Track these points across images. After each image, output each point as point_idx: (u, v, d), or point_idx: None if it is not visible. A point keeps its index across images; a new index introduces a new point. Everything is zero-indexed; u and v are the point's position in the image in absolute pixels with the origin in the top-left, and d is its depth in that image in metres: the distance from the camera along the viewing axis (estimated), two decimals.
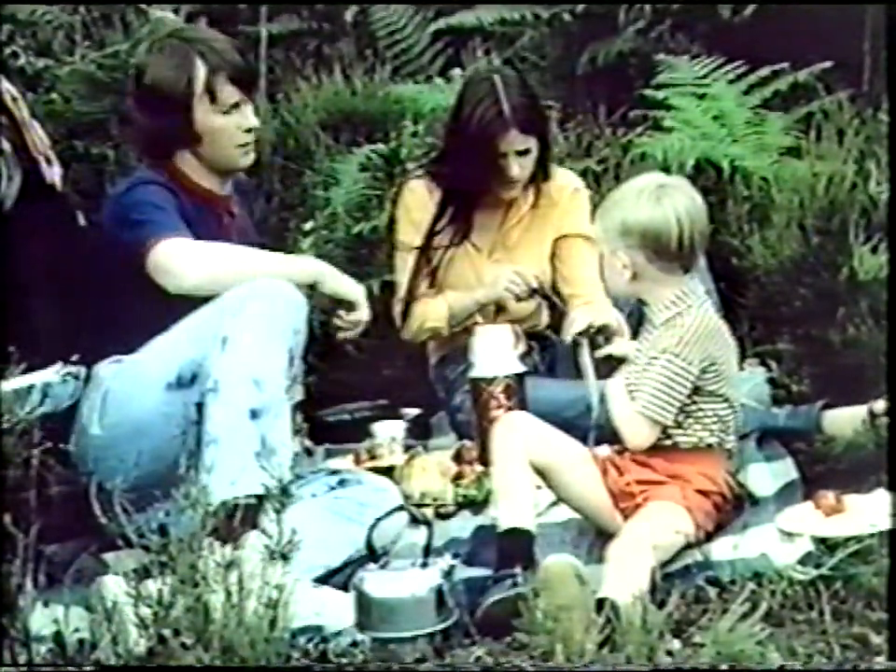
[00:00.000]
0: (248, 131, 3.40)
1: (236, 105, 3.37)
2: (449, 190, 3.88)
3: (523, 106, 3.78)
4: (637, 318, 3.38)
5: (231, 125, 3.37)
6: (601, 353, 3.29)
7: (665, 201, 3.02)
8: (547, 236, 3.94)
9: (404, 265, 3.94)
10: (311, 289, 3.20)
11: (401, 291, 3.94)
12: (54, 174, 3.52)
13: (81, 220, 3.61)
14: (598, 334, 3.29)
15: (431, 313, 3.90)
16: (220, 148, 3.38)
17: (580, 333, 3.30)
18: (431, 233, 3.89)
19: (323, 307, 3.31)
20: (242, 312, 3.03)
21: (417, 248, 3.90)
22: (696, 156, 4.32)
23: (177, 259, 3.16)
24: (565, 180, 3.99)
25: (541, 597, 2.62)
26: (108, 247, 3.30)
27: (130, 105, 3.50)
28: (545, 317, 3.97)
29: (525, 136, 3.78)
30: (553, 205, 3.94)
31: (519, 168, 3.80)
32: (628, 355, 3.17)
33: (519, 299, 3.76)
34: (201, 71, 3.33)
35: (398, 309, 3.95)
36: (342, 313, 3.29)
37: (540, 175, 3.89)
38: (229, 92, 3.36)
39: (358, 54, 5.46)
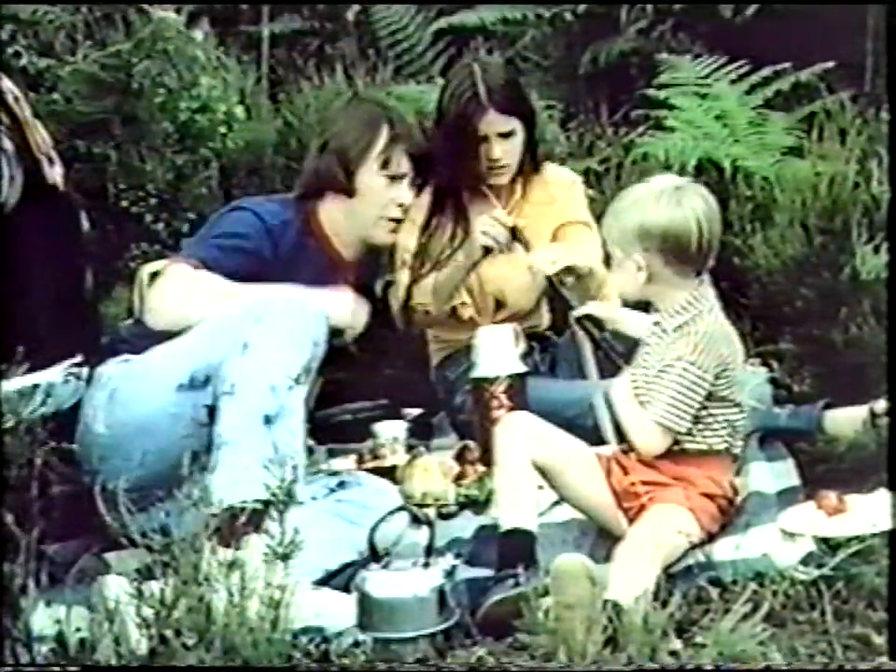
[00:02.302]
0: (401, 207, 3.50)
1: (401, 178, 3.49)
2: (439, 187, 3.86)
3: (500, 87, 3.78)
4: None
5: (390, 193, 3.48)
6: (580, 312, 3.30)
7: (685, 203, 2.99)
8: (547, 229, 3.92)
9: (404, 265, 3.93)
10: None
11: (400, 290, 3.93)
12: (56, 173, 3.52)
13: (83, 220, 3.62)
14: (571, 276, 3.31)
15: (417, 292, 3.86)
16: (370, 210, 3.48)
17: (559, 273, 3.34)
18: (425, 233, 3.87)
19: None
20: (265, 320, 3.07)
21: (414, 252, 3.88)
22: (698, 156, 4.33)
23: (166, 291, 3.29)
24: (562, 175, 3.99)
25: (550, 595, 2.62)
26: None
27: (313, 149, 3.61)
28: (546, 317, 3.97)
29: (505, 117, 3.78)
30: (552, 201, 3.92)
31: (502, 150, 3.80)
32: (612, 322, 3.21)
33: (501, 249, 3.67)
34: (384, 133, 3.47)
35: (395, 307, 3.94)
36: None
37: (530, 162, 3.88)
38: (401, 163, 3.48)
39: (360, 54, 5.46)
